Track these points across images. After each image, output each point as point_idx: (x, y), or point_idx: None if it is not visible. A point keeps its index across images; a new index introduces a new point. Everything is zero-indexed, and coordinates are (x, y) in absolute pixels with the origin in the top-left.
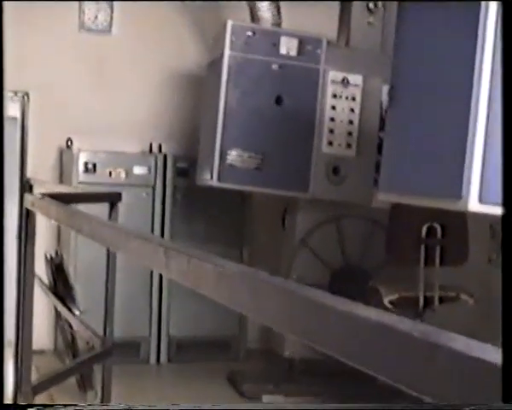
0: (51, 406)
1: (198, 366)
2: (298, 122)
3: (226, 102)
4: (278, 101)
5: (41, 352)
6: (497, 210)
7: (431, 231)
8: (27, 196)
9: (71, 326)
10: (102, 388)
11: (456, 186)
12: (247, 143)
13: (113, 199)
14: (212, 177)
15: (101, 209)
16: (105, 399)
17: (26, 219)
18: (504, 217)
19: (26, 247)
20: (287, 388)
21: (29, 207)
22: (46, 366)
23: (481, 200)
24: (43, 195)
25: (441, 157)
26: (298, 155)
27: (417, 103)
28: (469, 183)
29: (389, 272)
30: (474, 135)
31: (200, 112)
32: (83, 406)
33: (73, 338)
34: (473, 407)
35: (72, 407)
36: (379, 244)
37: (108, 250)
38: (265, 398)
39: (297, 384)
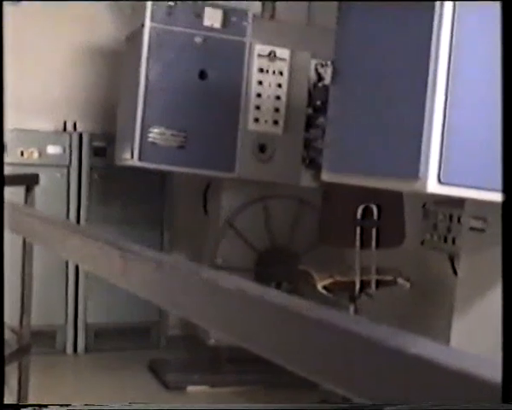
0: (48, 406)
1: (117, 355)
2: (223, 98)
3: (147, 77)
4: (202, 75)
5: None
6: (459, 192)
7: (367, 212)
8: None
9: None
10: (19, 386)
11: (413, 165)
12: (169, 120)
13: (29, 182)
14: (132, 156)
15: (12, 192)
16: (22, 398)
17: None
18: (505, 204)
19: None
20: (212, 378)
21: None
22: None
23: (440, 180)
24: None
25: (395, 134)
26: (223, 133)
27: (365, 76)
28: (427, 162)
29: (319, 255)
30: (432, 108)
31: (117, 88)
32: (84, 406)
33: None
34: (472, 407)
35: (69, 407)
36: (308, 225)
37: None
38: (190, 389)
39: (223, 374)
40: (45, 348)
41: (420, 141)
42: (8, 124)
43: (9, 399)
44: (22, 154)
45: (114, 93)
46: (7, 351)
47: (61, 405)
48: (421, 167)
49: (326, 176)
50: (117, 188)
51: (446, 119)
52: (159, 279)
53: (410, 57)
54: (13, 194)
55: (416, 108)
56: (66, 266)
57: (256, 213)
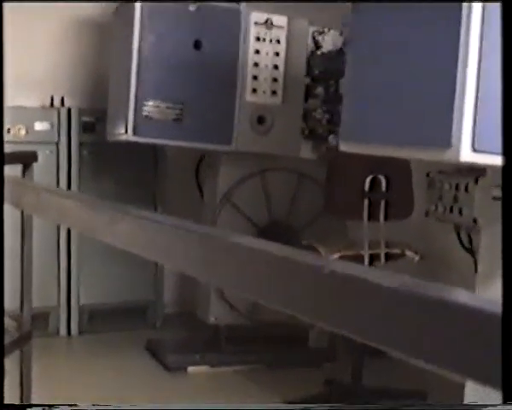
0: (52, 406)
1: (113, 336)
2: (219, 68)
3: (139, 49)
4: (197, 45)
5: None
6: (492, 159)
7: (374, 183)
8: None
9: None
10: (21, 375)
11: (445, 134)
12: (164, 92)
13: (27, 159)
14: (126, 131)
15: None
16: (25, 387)
17: None
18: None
19: None
20: (213, 358)
21: None
22: None
23: (475, 148)
24: None
25: (424, 103)
26: (220, 105)
27: (386, 42)
28: (460, 130)
29: (321, 229)
30: (464, 76)
31: (106, 62)
32: (85, 406)
33: None
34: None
35: (76, 407)
36: (307, 199)
37: (23, 214)
38: (190, 369)
39: (223, 354)
40: (38, 330)
41: (451, 109)
42: None
43: (12, 389)
44: (9, 131)
45: (103, 67)
46: (7, 339)
47: (69, 405)
48: (454, 136)
49: (344, 146)
50: (108, 164)
51: (479, 85)
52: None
53: (439, 27)
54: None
55: (446, 77)
56: (58, 247)
57: (254, 187)
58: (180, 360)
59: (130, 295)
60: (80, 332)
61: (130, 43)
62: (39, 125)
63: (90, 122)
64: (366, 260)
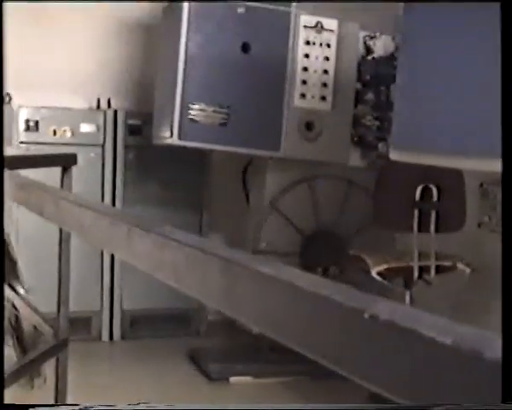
0: (53, 405)
1: (155, 342)
2: (267, 72)
3: (187, 51)
4: (245, 48)
5: None
6: None
7: (425, 193)
8: None
9: (14, 307)
10: (57, 383)
11: (499, 143)
12: (210, 95)
13: (66, 162)
14: (171, 135)
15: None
16: (60, 394)
17: None
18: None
19: None
20: (256, 368)
21: None
22: None
23: None
24: None
25: (478, 110)
26: (267, 110)
27: (440, 45)
28: None
29: (368, 239)
30: None
31: (153, 63)
32: (87, 406)
33: (17, 320)
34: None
35: (78, 407)
36: (356, 207)
37: None
38: (233, 380)
39: (267, 364)
40: (80, 335)
41: None
42: (40, 102)
43: (48, 395)
44: (55, 133)
45: (151, 69)
46: (43, 346)
47: (71, 404)
48: None
49: (395, 155)
50: (153, 168)
51: None
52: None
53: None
54: (47, 176)
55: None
56: (102, 251)
57: (302, 195)
58: (222, 369)
59: (174, 302)
60: (122, 337)
61: (177, 44)
62: (85, 127)
63: (136, 125)
64: (416, 273)
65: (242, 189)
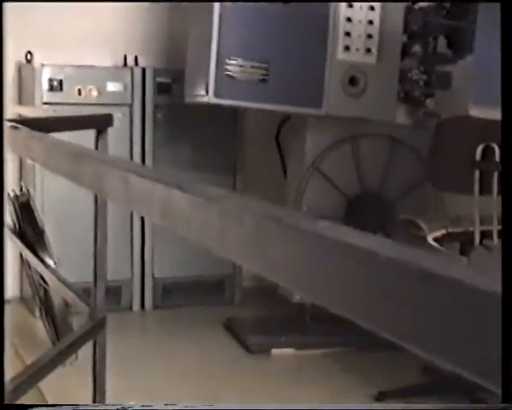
0: (54, 406)
1: (188, 311)
2: (309, 24)
3: (222, 2)
4: None
5: (6, 301)
6: None
7: (486, 152)
8: None
9: (43, 279)
10: (94, 367)
11: None
12: (248, 50)
13: (101, 123)
14: (207, 92)
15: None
16: (98, 379)
17: None
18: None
19: None
20: (298, 339)
21: None
22: (13, 319)
23: None
24: (13, 121)
25: None
26: (309, 64)
27: None
28: None
29: (415, 201)
30: None
31: (183, 17)
32: (89, 405)
33: (46, 293)
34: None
35: (77, 407)
36: (402, 168)
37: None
38: (274, 352)
39: (310, 335)
40: (110, 304)
41: None
42: (64, 60)
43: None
44: (80, 92)
45: (180, 23)
46: (80, 330)
47: (71, 404)
48: None
49: (476, 111)
50: (184, 128)
51: None
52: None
53: None
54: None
55: None
56: (131, 216)
57: (344, 155)
58: (263, 341)
59: (207, 269)
60: (154, 307)
61: None
62: (112, 86)
63: (165, 83)
64: (477, 239)
65: (277, 149)
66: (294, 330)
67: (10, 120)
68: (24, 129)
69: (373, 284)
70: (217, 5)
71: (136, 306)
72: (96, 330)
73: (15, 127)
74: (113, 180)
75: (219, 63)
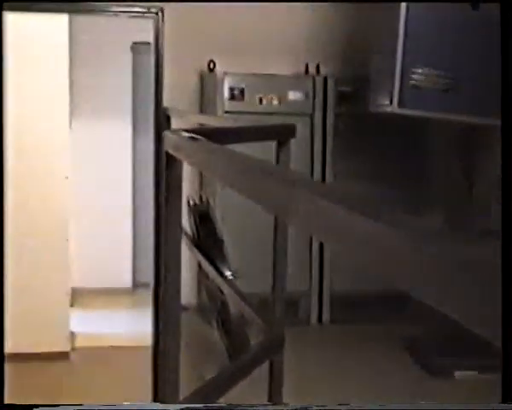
0: (56, 405)
1: (366, 327)
2: (497, 31)
3: (408, 9)
4: (475, 4)
5: (183, 309)
6: None
7: None
8: (169, 136)
9: (221, 291)
10: (270, 388)
11: None
12: (434, 58)
13: (284, 134)
14: (391, 102)
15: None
16: (274, 393)
17: (168, 165)
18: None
19: (168, 199)
20: (481, 362)
21: (172, 152)
22: (190, 327)
23: None
24: (190, 132)
25: None
26: (498, 73)
27: None
28: None
29: None
30: None
31: (365, 26)
32: (89, 406)
33: (223, 303)
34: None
35: (78, 407)
36: None
37: None
38: (458, 375)
39: (493, 357)
40: (287, 317)
41: None
42: (245, 68)
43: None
44: (261, 101)
45: (362, 30)
46: (255, 347)
47: (71, 405)
48: None
49: None
50: (365, 138)
51: None
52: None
53: None
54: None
55: None
56: None
57: None
58: (445, 362)
59: (387, 283)
60: (331, 321)
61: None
62: (293, 95)
63: (347, 91)
64: None
65: (461, 162)
66: (478, 352)
67: (190, 130)
68: (203, 140)
69: None
70: (402, 13)
71: (314, 319)
72: (274, 348)
73: (194, 138)
74: (299, 205)
75: (404, 72)
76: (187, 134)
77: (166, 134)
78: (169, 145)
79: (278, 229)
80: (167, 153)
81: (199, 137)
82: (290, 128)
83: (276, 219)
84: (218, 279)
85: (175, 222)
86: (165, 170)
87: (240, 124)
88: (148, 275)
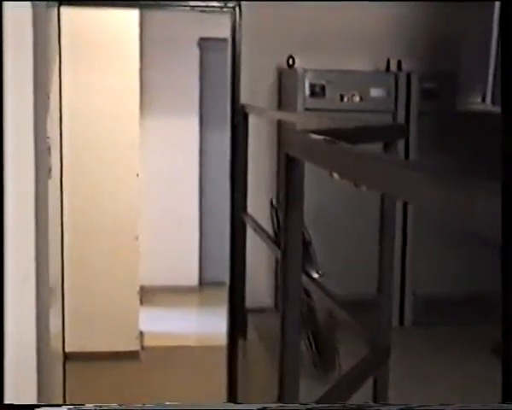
0: (56, 405)
1: (451, 330)
2: None
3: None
4: None
5: (260, 310)
6: None
7: None
8: (288, 136)
9: (307, 293)
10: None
11: None
12: None
13: (395, 134)
14: (483, 100)
15: None
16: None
17: (288, 168)
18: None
19: (289, 202)
20: None
21: (296, 154)
22: (267, 329)
23: None
24: (317, 133)
25: None
26: None
27: None
28: None
29: None
30: None
31: (452, 19)
32: (90, 406)
33: (310, 309)
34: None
35: (79, 407)
36: None
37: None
38: None
39: None
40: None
41: None
42: (325, 64)
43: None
44: (342, 98)
45: (448, 24)
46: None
47: (72, 404)
48: None
49: None
50: (450, 138)
51: None
52: None
53: None
54: None
55: None
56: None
57: None
58: None
59: (473, 284)
60: (414, 323)
61: None
62: (375, 92)
63: (431, 88)
64: None
65: None
66: None
67: (316, 132)
68: (340, 143)
69: None
70: (497, 5)
71: (395, 321)
72: (379, 359)
73: (330, 141)
74: None
75: (498, 68)
76: (318, 136)
77: (286, 135)
78: (288, 146)
79: (384, 230)
80: (287, 155)
81: (334, 139)
82: (401, 129)
83: (382, 220)
84: (305, 280)
85: (295, 228)
86: (286, 172)
87: (355, 124)
88: (215, 273)
